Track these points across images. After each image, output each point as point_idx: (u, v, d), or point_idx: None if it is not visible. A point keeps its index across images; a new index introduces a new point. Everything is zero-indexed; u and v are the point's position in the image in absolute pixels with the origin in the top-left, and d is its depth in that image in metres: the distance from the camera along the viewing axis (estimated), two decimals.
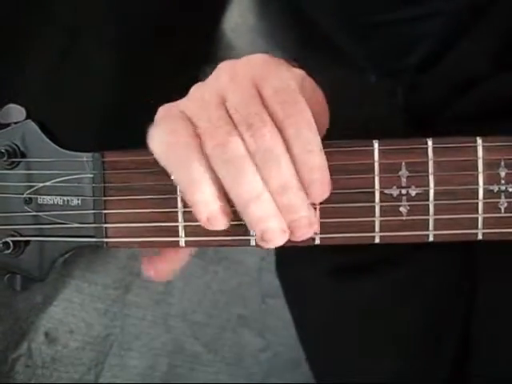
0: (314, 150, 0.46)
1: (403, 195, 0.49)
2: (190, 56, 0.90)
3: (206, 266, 1.03)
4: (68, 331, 0.90)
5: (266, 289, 1.08)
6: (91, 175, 0.49)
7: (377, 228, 0.49)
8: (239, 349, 1.08)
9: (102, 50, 0.85)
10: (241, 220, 0.48)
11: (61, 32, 0.82)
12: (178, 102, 0.49)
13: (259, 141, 0.46)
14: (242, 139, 0.46)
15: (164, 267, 0.52)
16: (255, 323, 1.09)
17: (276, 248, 0.80)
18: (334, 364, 0.76)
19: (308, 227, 0.47)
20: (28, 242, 0.50)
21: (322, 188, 0.47)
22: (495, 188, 0.49)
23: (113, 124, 0.85)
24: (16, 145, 0.50)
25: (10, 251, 0.50)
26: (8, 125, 0.50)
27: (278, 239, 0.47)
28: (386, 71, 0.76)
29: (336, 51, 0.77)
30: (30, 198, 0.50)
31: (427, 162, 0.49)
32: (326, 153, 0.48)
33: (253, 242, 0.49)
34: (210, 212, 0.47)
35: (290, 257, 0.80)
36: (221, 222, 0.47)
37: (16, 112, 0.50)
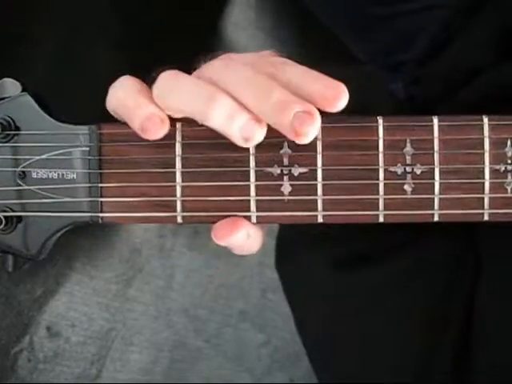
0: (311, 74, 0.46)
1: (408, 173, 0.48)
2: (191, 52, 0.90)
3: (207, 260, 1.03)
4: (70, 325, 0.89)
5: (266, 283, 1.07)
6: (87, 148, 0.48)
7: (381, 206, 0.48)
8: (240, 344, 1.07)
9: (104, 47, 0.85)
10: (241, 195, 0.47)
11: (63, 28, 0.82)
12: None
13: None
14: None
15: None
16: (256, 318, 1.08)
17: (276, 243, 0.80)
18: (334, 357, 0.75)
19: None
20: (20, 218, 0.49)
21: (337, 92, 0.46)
22: (501, 167, 0.48)
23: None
24: (11, 118, 0.49)
25: (1, 227, 0.49)
26: (3, 99, 0.49)
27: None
28: (386, 65, 0.76)
29: (335, 46, 0.77)
30: (23, 172, 0.49)
31: (432, 140, 0.48)
32: (329, 128, 0.47)
33: (254, 219, 0.48)
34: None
35: (290, 251, 0.79)
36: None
37: (11, 86, 0.49)
